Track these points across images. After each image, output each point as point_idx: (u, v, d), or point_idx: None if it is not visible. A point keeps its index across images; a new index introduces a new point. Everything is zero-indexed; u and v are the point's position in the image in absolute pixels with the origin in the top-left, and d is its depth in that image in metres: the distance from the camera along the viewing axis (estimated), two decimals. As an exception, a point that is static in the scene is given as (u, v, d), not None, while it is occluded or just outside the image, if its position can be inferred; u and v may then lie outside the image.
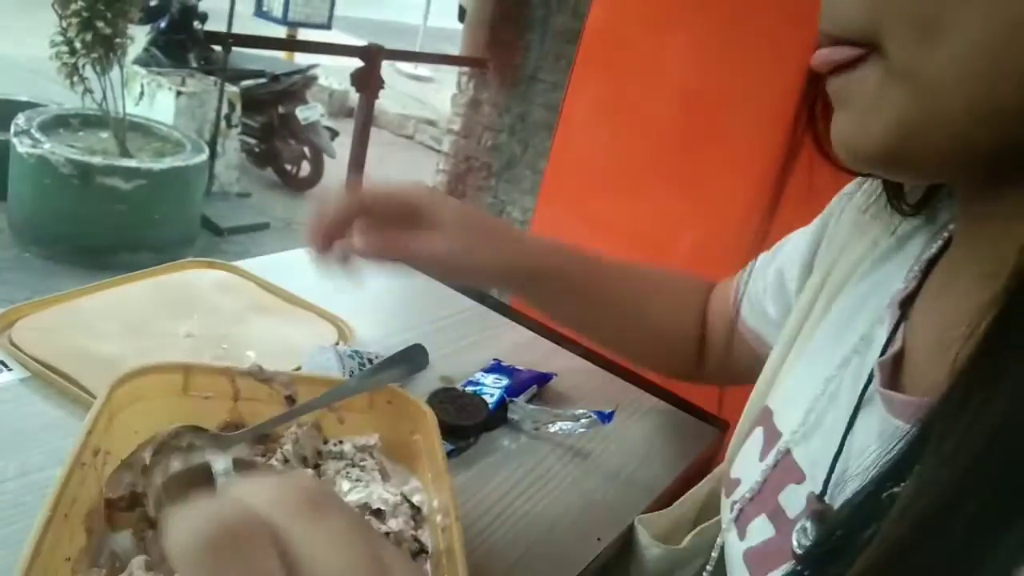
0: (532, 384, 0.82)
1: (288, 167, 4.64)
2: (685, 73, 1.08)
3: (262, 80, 4.42)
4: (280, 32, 5.28)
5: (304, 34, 5.36)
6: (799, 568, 0.37)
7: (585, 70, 1.13)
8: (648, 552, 0.63)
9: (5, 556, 0.49)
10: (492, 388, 0.78)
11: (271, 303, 0.84)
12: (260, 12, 5.32)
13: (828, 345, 0.49)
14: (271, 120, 4.45)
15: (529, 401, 0.80)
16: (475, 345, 0.90)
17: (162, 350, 0.69)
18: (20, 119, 3.30)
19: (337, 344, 0.81)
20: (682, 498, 0.66)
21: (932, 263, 0.44)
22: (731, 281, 0.72)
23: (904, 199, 0.47)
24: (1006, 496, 0.26)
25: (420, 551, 0.51)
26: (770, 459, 0.47)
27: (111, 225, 3.29)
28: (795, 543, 0.41)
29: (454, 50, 2.57)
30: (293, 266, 0.95)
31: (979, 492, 0.26)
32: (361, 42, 2.53)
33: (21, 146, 3.15)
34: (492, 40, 2.04)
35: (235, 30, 3.81)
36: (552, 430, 0.77)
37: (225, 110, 4.04)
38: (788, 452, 0.46)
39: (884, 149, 0.33)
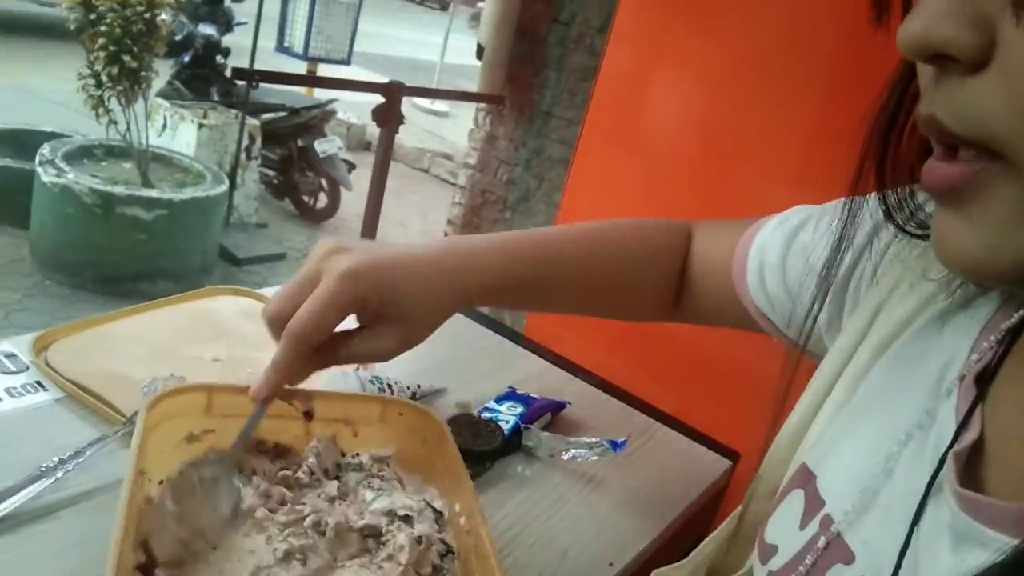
0: (546, 412, 0.84)
1: (306, 198, 4.71)
2: (699, 110, 1.11)
3: (282, 114, 4.51)
4: (301, 67, 5.39)
5: (324, 69, 5.47)
6: None
7: (601, 106, 1.16)
8: None
9: (39, 559, 0.51)
10: (507, 415, 0.80)
11: (293, 330, 0.86)
12: (281, 47, 5.45)
13: (881, 410, 0.44)
14: (290, 153, 4.54)
15: (544, 429, 0.82)
16: (490, 373, 0.92)
17: (190, 373, 0.71)
18: (45, 149, 3.38)
19: (357, 370, 0.83)
20: (700, 546, 0.61)
21: (1013, 335, 0.38)
22: (728, 233, 0.66)
23: None
24: None
25: (448, 552, 0.53)
26: (812, 529, 0.43)
27: (131, 254, 3.34)
28: None
29: (470, 86, 2.64)
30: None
31: None
32: (381, 78, 2.59)
33: (45, 175, 3.22)
34: (509, 77, 2.08)
35: (257, 65, 3.90)
36: (565, 458, 0.78)
37: (245, 142, 4.12)
38: (840, 538, 0.41)
39: (1014, 272, 0.29)
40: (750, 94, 1.05)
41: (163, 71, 4.09)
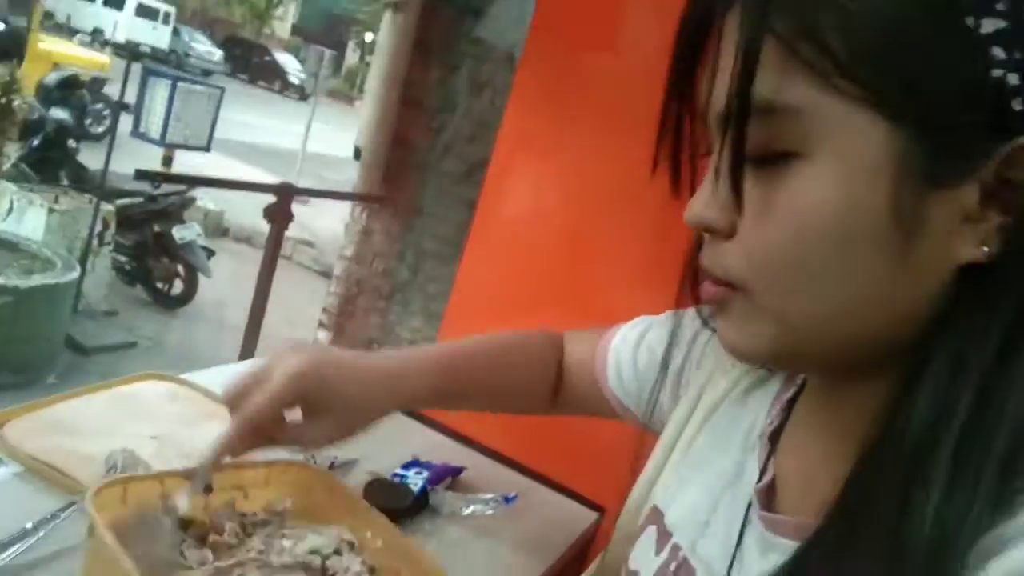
0: (447, 475, 0.98)
1: (160, 285, 4.59)
2: (571, 221, 1.32)
3: (139, 199, 4.43)
4: (157, 153, 5.30)
5: (182, 156, 5.41)
6: None
7: (487, 212, 1.36)
8: None
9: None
10: (415, 479, 0.93)
11: (216, 410, 0.96)
12: (137, 132, 5.34)
13: (709, 462, 0.57)
14: (145, 239, 4.43)
15: (446, 489, 0.96)
16: (395, 445, 1.05)
17: (134, 449, 0.79)
18: None
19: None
20: None
21: (791, 402, 0.53)
22: (590, 340, 0.80)
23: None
24: None
25: (372, 570, 0.65)
26: (664, 555, 0.55)
27: (-30, 344, 3.14)
28: None
29: (333, 175, 2.79)
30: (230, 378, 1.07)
31: None
32: (242, 165, 2.69)
33: None
34: (386, 178, 2.26)
35: (113, 151, 3.87)
36: (466, 512, 0.92)
37: (99, 228, 4.00)
38: (685, 559, 0.54)
39: (764, 358, 0.45)
40: (618, 210, 1.26)
41: (8, 152, 3.94)
